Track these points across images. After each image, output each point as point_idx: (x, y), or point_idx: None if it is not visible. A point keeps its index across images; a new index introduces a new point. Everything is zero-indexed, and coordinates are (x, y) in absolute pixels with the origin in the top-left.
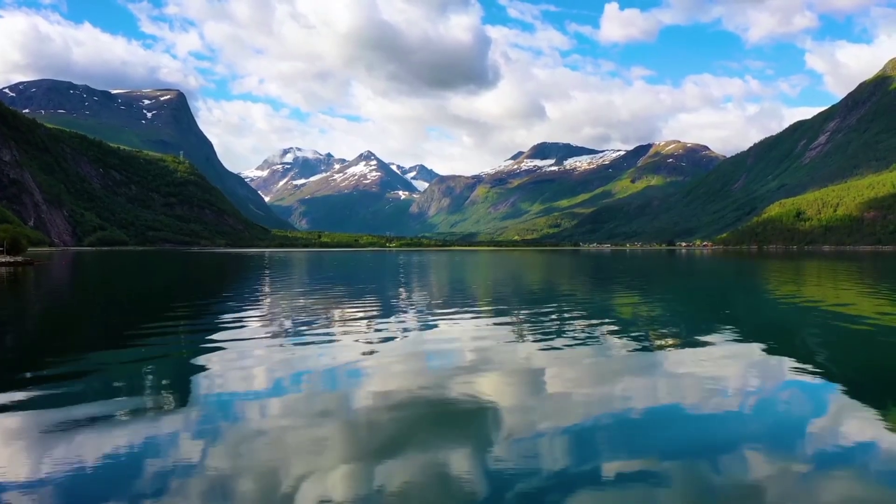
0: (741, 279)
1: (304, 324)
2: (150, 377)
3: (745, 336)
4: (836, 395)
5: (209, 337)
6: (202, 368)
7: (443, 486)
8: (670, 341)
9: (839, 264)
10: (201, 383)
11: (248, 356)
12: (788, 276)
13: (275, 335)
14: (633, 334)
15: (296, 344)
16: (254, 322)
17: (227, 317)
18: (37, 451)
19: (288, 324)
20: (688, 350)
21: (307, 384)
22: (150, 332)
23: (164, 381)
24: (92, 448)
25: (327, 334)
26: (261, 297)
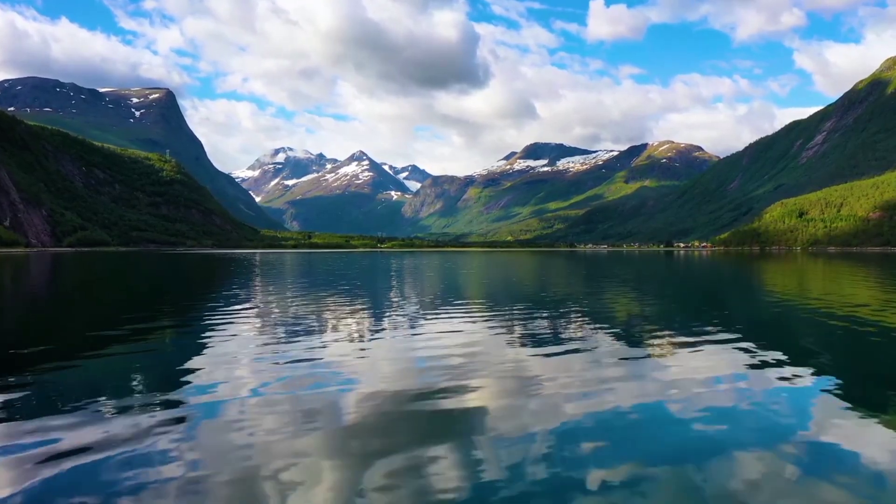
0: (751, 284)
1: (292, 326)
2: (127, 382)
3: (748, 341)
4: (838, 399)
5: (190, 341)
6: (184, 371)
7: (432, 490)
8: (670, 346)
9: (850, 267)
10: (184, 385)
11: (233, 357)
12: (802, 280)
13: (262, 337)
14: (632, 339)
15: (284, 346)
16: (239, 324)
17: (210, 320)
18: (11, 452)
19: (276, 326)
20: (688, 355)
21: (295, 387)
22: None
23: (143, 384)
24: (71, 450)
25: (316, 336)
26: (247, 301)
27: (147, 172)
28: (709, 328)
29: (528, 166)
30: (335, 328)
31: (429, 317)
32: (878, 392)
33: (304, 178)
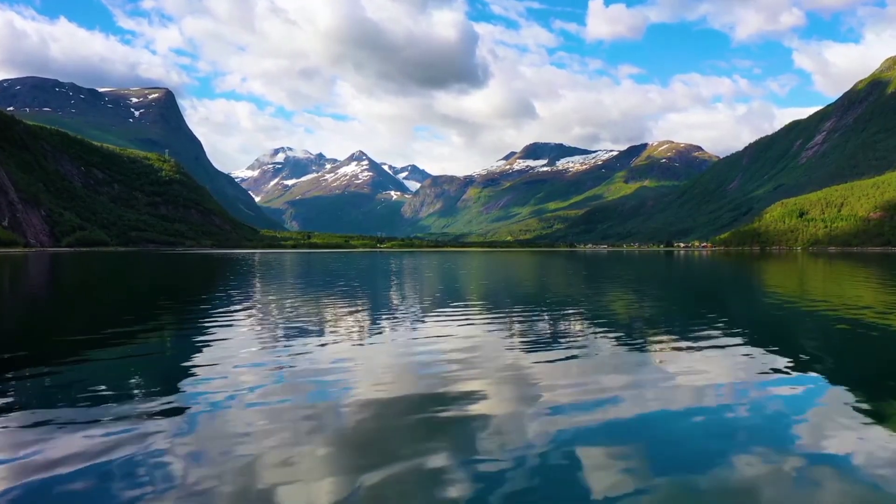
0: (753, 284)
1: (291, 328)
2: (124, 384)
3: (751, 343)
4: (842, 404)
5: (188, 343)
6: (182, 373)
7: (430, 495)
8: (671, 350)
9: (851, 267)
10: (182, 388)
11: (231, 359)
12: (803, 281)
13: (261, 339)
14: (633, 342)
15: (282, 348)
16: (237, 325)
17: (209, 321)
18: (8, 455)
19: (274, 328)
20: (690, 359)
21: (293, 390)
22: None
23: (140, 386)
24: (67, 454)
25: (315, 339)
26: (245, 302)
27: (146, 172)
28: (710, 331)
29: (527, 166)
30: (334, 330)
31: (428, 318)
32: (882, 396)
33: (304, 178)
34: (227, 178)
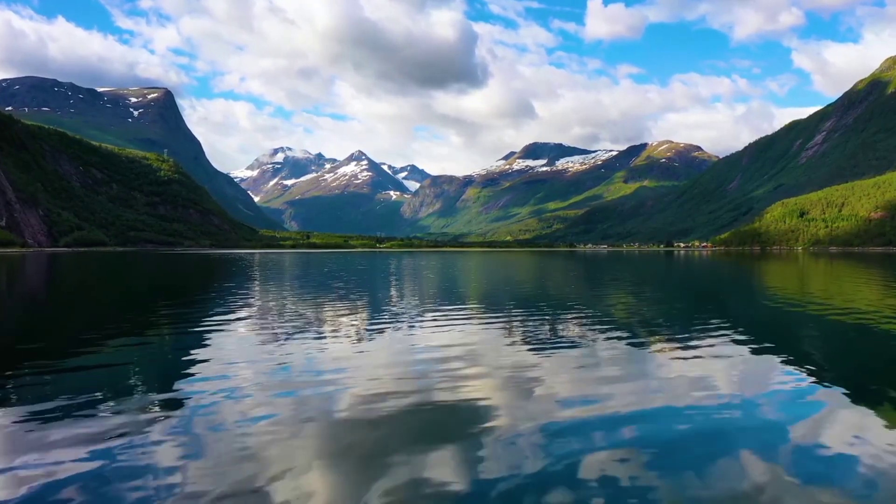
0: (753, 285)
1: (290, 328)
2: (123, 385)
3: (752, 345)
4: (842, 404)
5: (186, 343)
6: (180, 374)
7: (428, 494)
8: (673, 353)
9: (853, 268)
10: (180, 388)
11: (230, 360)
12: (805, 282)
13: (259, 339)
14: (633, 343)
15: (281, 349)
16: (236, 326)
17: (207, 322)
18: (7, 459)
19: (273, 328)
20: (691, 360)
21: (293, 389)
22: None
23: (139, 386)
24: (66, 456)
25: (314, 340)
26: (244, 303)
27: (145, 172)
28: (712, 334)
29: (526, 166)
30: (333, 332)
31: (427, 321)
32: (884, 399)
33: (303, 178)
34: (226, 178)
